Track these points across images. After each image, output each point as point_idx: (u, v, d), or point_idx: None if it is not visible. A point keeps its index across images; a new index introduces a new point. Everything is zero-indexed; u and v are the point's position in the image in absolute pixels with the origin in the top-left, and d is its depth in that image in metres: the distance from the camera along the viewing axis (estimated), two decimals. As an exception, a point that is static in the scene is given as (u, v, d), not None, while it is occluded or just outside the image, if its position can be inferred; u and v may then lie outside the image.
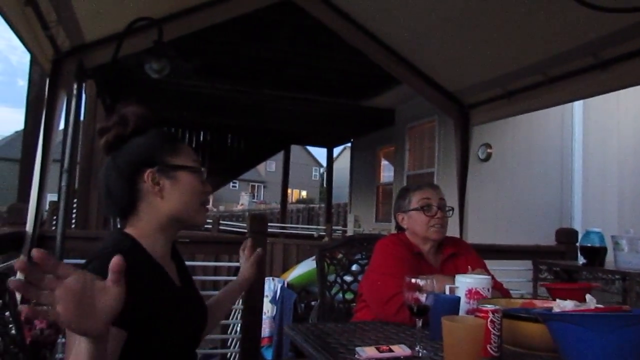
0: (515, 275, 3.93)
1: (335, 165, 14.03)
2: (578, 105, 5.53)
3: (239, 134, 10.93)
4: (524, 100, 3.66)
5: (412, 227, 2.19)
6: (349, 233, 10.20)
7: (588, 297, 1.35)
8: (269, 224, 3.62)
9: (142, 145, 1.37)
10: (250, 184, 44.39)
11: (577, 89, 3.29)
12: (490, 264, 2.29)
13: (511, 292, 2.24)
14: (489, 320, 1.34)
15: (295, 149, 17.32)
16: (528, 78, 3.51)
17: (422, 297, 1.45)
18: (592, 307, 1.32)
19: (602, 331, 1.08)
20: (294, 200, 39.88)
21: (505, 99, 3.77)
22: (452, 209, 2.23)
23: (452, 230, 2.22)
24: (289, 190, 16.30)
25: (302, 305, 4.34)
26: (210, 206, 1.74)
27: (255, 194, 45.04)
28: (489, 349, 1.34)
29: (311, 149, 40.17)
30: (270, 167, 42.38)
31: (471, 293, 1.65)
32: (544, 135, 5.96)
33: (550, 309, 1.37)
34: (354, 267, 2.61)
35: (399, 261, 2.05)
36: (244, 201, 38.38)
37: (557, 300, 1.38)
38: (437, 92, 4.14)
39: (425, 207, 2.15)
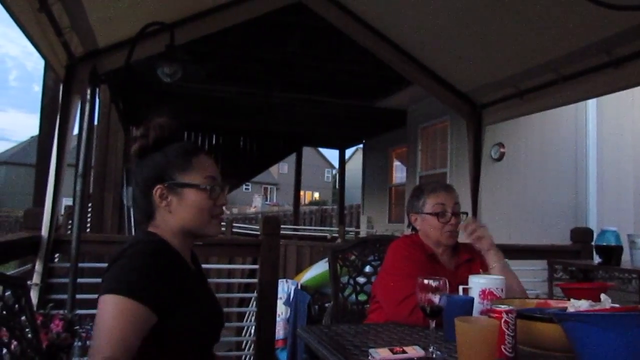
0: (530, 275, 3.91)
1: (348, 167, 14.02)
2: (592, 103, 5.48)
3: (251, 136, 10.97)
4: (537, 99, 3.63)
5: (425, 229, 2.18)
6: (362, 234, 10.18)
7: (603, 296, 1.34)
8: (282, 226, 3.63)
9: (157, 161, 1.42)
10: (263, 186, 44.52)
11: (591, 87, 3.26)
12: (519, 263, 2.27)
13: (527, 292, 2.22)
14: (502, 320, 1.33)
15: (307, 151, 17.35)
16: (541, 77, 3.49)
17: (435, 298, 1.44)
18: (607, 306, 1.31)
19: (617, 331, 1.07)
20: (306, 202, 39.92)
21: (518, 98, 3.75)
22: (466, 213, 2.21)
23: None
24: (302, 192, 16.31)
25: (316, 307, 4.34)
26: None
27: (268, 196, 45.16)
28: (503, 349, 1.33)
29: (323, 150, 40.18)
30: (283, 169, 42.50)
31: (485, 293, 1.64)
32: (557, 134, 5.91)
33: (565, 309, 1.36)
34: (367, 269, 2.61)
35: (412, 263, 2.04)
36: (256, 203, 38.49)
37: (572, 300, 1.37)
38: (448, 92, 4.12)
39: (440, 213, 2.13)
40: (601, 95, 4.44)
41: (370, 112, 8.51)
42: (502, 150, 6.09)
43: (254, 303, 3.49)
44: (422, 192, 2.22)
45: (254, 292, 3.52)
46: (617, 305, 1.34)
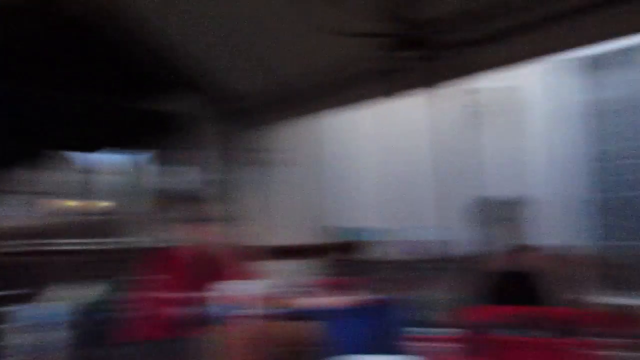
0: (307, 273, 4.08)
1: (136, 174, 13.01)
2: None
3: None
4: (303, 106, 3.83)
5: (181, 237, 2.15)
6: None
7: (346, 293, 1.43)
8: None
9: None
10: None
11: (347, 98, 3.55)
12: (281, 264, 2.33)
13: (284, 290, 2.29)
14: (247, 324, 1.35)
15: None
16: (303, 85, 3.69)
17: (184, 310, 1.41)
18: (349, 300, 1.41)
19: (347, 321, 1.16)
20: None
21: (287, 105, 3.91)
22: (216, 218, 2.24)
23: (247, 235, 2.26)
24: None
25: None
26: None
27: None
28: (248, 352, 1.34)
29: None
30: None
31: (232, 299, 1.65)
32: (307, 140, 6.24)
33: (308, 305, 1.43)
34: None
35: (166, 272, 2.00)
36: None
37: (306, 299, 1.45)
38: (222, 96, 4.11)
39: (187, 219, 2.14)
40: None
41: (149, 115, 8.07)
42: (275, 155, 6.24)
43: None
44: (174, 202, 2.25)
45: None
46: (355, 298, 1.44)
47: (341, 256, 4.05)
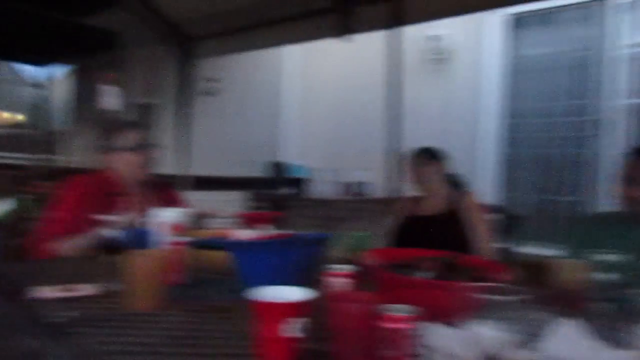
0: (236, 205, 4.16)
1: (56, 88, 12.54)
2: (297, 49, 5.90)
3: None
4: (246, 39, 3.77)
5: (117, 166, 2.14)
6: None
7: (264, 227, 1.51)
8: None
9: None
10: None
11: (292, 34, 3.53)
12: (211, 194, 2.34)
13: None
14: (177, 250, 1.40)
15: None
16: (248, 17, 3.62)
17: (113, 232, 1.43)
18: (267, 234, 1.49)
19: (267, 253, 1.24)
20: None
21: (229, 35, 3.83)
22: (156, 145, 2.24)
23: (172, 164, 2.25)
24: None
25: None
26: None
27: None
28: (174, 277, 1.40)
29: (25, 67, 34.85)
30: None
31: (168, 226, 1.69)
32: (262, 73, 6.25)
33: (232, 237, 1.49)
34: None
35: (78, 202, 2.00)
36: None
37: (237, 231, 1.52)
38: (157, 18, 3.98)
39: (134, 147, 2.11)
40: (302, 42, 4.81)
41: (74, 29, 7.66)
42: (214, 85, 6.18)
43: None
44: (113, 130, 2.20)
45: None
46: (276, 232, 1.52)
47: (266, 190, 4.13)
